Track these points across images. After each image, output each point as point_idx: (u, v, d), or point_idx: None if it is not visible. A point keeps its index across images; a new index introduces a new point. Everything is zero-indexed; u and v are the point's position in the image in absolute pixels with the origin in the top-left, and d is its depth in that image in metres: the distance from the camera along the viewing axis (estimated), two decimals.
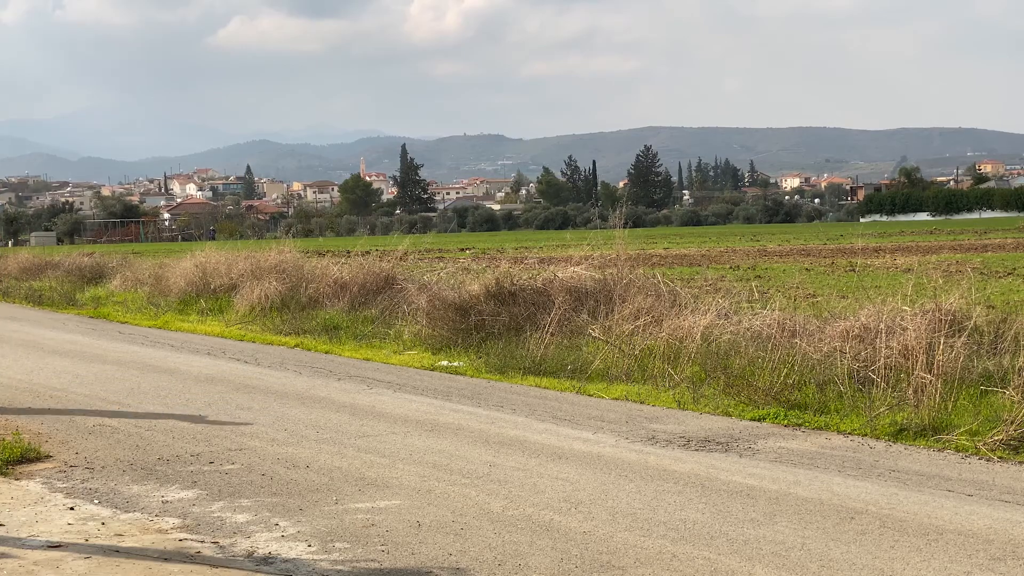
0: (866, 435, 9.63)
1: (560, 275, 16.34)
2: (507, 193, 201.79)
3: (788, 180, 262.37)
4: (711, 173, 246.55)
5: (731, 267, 31.62)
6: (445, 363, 14.37)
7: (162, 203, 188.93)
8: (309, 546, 6.44)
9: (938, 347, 10.37)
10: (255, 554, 6.32)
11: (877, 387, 10.55)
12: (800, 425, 10.08)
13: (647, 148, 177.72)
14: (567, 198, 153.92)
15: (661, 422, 10.34)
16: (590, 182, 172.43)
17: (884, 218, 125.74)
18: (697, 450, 9.20)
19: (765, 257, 38.05)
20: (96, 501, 7.52)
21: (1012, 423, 9.19)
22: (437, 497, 7.55)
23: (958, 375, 10.36)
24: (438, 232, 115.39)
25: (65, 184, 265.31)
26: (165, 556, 6.26)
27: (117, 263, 32.31)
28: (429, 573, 5.97)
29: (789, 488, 7.82)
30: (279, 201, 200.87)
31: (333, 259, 23.97)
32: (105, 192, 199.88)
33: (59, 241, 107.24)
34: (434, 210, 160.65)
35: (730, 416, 10.59)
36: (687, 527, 6.81)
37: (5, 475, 8.28)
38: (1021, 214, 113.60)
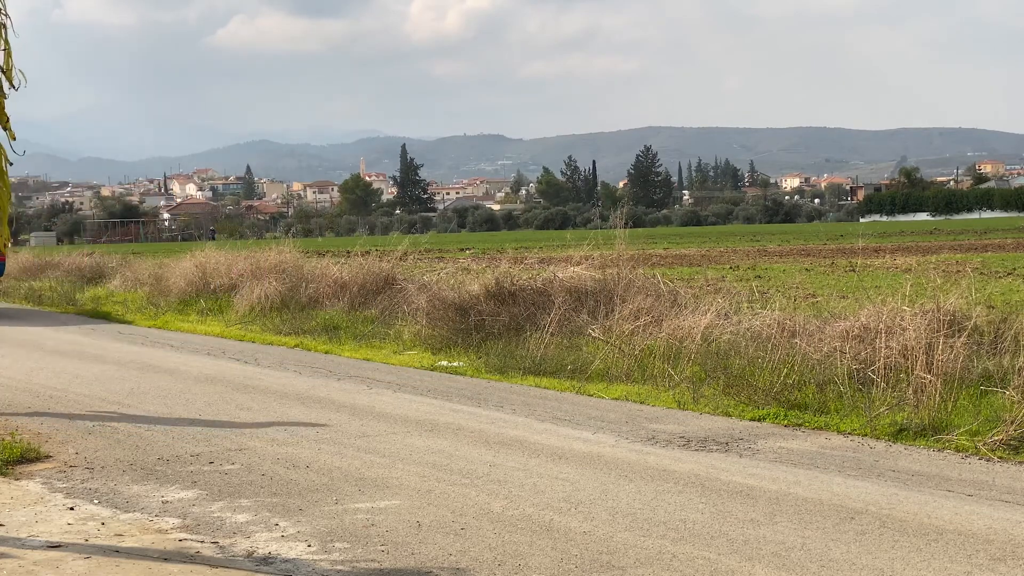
0: (866, 435, 9.62)
1: (560, 275, 16.34)
2: (507, 193, 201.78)
3: (788, 180, 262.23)
4: (711, 173, 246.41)
5: (731, 267, 31.62)
6: (445, 363, 14.36)
7: (162, 203, 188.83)
8: (309, 546, 6.43)
9: (938, 347, 10.37)
10: (255, 554, 6.32)
11: (877, 387, 10.54)
12: (800, 425, 10.07)
13: (647, 148, 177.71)
14: (567, 198, 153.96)
15: (661, 422, 10.34)
16: (590, 182, 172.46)
17: (884, 218, 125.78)
18: (697, 450, 9.20)
19: (765, 257, 38.04)
20: (96, 501, 7.51)
21: (1012, 423, 9.18)
22: (437, 497, 7.55)
23: (958, 375, 10.35)
24: (438, 232, 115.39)
25: (65, 184, 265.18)
26: (165, 556, 6.25)
27: (117, 263, 32.30)
28: (429, 573, 5.97)
29: (789, 488, 7.81)
30: (279, 201, 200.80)
31: (333, 259, 23.96)
32: (105, 192, 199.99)
33: (59, 241, 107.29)
34: (434, 210, 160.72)
35: (730, 416, 10.58)
36: (687, 527, 6.80)
37: (5, 475, 8.27)
38: (1021, 214, 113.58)
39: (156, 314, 22.19)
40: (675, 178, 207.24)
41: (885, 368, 10.71)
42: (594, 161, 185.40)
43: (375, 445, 9.37)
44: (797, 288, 17.98)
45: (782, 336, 12.10)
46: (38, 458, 8.84)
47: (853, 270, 26.90)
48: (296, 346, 16.91)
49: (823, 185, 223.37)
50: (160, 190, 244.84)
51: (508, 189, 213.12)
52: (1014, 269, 26.58)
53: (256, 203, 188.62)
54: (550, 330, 14.33)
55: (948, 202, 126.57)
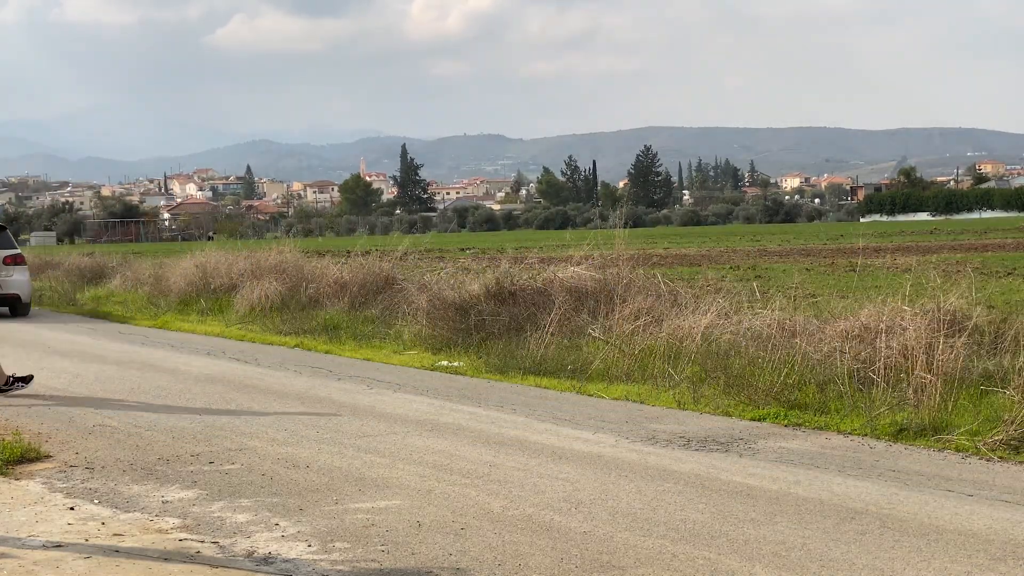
0: (866, 435, 9.62)
1: (560, 275, 16.34)
2: (507, 193, 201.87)
3: (788, 180, 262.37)
4: (711, 173, 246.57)
5: (731, 267, 31.62)
6: (445, 363, 14.36)
7: (162, 203, 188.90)
8: (309, 546, 6.44)
9: (938, 347, 10.37)
10: (255, 554, 6.32)
11: (877, 387, 10.54)
12: (800, 425, 10.07)
13: (647, 148, 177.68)
14: (567, 198, 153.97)
15: (661, 422, 10.34)
16: (590, 182, 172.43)
17: (884, 218, 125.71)
18: (697, 450, 9.20)
19: (765, 257, 38.04)
20: (96, 501, 7.52)
21: (1012, 423, 9.18)
22: (437, 497, 7.55)
23: (958, 375, 10.35)
24: (438, 232, 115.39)
25: (65, 184, 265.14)
26: (165, 556, 6.26)
27: (117, 263, 32.31)
28: (429, 573, 5.97)
29: (789, 488, 7.81)
30: (279, 201, 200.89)
31: (333, 259, 23.96)
32: (105, 192, 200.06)
33: (59, 241, 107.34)
34: (434, 210, 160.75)
35: (730, 416, 10.58)
36: (687, 527, 6.81)
37: (5, 475, 8.28)
38: (1021, 214, 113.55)
39: (156, 314, 22.19)
40: (675, 178, 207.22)
41: (885, 368, 10.71)
42: (594, 161, 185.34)
43: (375, 445, 9.37)
44: (797, 288, 17.97)
45: (782, 336, 12.09)
46: (38, 458, 8.84)
47: (853, 270, 26.88)
48: (296, 346, 16.92)
49: (823, 185, 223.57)
50: (160, 190, 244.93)
51: (508, 189, 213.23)
52: (1014, 269, 26.58)
53: (256, 203, 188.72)
54: (550, 330, 14.33)
55: (948, 202, 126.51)
